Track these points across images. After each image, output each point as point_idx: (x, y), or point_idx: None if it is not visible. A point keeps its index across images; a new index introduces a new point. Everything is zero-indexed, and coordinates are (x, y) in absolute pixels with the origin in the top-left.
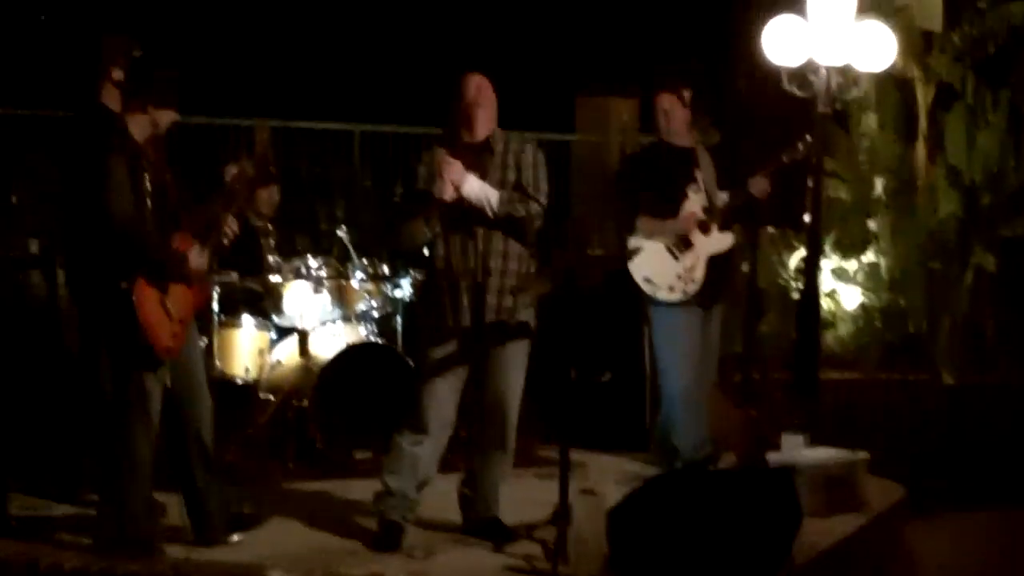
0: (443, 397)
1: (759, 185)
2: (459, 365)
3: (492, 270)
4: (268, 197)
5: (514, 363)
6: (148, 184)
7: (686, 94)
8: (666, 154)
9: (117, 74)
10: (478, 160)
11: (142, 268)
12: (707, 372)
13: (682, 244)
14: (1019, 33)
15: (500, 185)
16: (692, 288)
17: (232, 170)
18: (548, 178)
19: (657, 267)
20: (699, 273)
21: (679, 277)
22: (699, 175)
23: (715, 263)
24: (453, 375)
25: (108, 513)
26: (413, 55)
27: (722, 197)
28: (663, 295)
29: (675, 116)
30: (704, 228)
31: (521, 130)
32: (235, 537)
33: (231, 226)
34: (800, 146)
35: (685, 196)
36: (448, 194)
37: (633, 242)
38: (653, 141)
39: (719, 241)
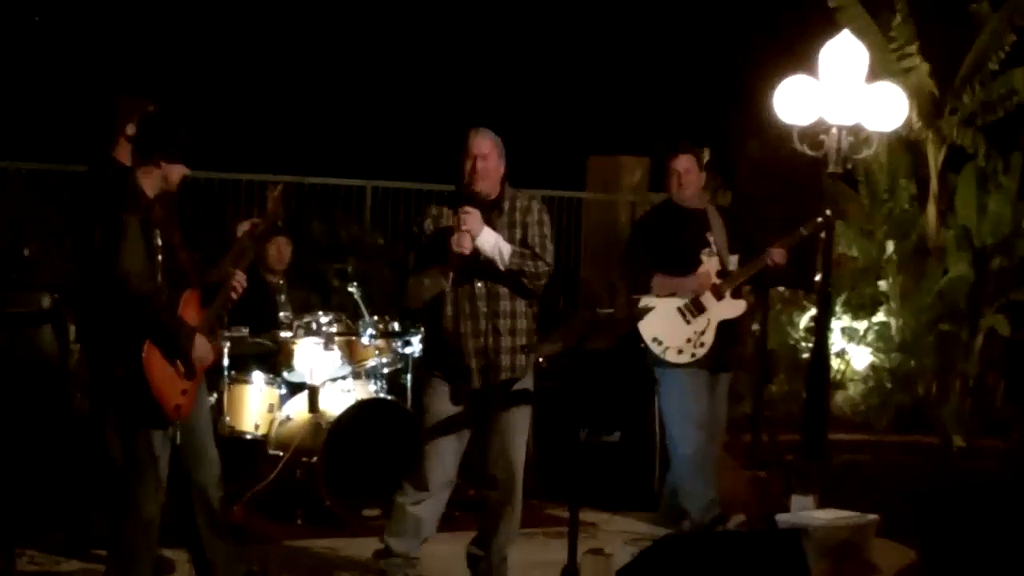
0: (446, 456)
1: (777, 256)
2: (463, 425)
3: (500, 330)
4: (279, 253)
5: (519, 424)
6: (158, 241)
7: (703, 157)
8: (678, 215)
9: (131, 130)
10: (486, 217)
11: (150, 332)
12: (715, 435)
13: (694, 307)
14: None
15: (508, 241)
16: (700, 352)
17: (244, 227)
18: (554, 236)
19: (667, 329)
20: (709, 337)
21: (688, 340)
22: (711, 237)
23: (725, 328)
24: (456, 434)
25: (116, 570)
26: (427, 112)
27: (733, 260)
28: (671, 356)
29: (690, 179)
30: (717, 293)
31: (533, 188)
32: None
33: (240, 281)
34: (819, 220)
35: (698, 258)
36: (467, 247)
37: (644, 302)
38: (664, 201)
39: (731, 307)
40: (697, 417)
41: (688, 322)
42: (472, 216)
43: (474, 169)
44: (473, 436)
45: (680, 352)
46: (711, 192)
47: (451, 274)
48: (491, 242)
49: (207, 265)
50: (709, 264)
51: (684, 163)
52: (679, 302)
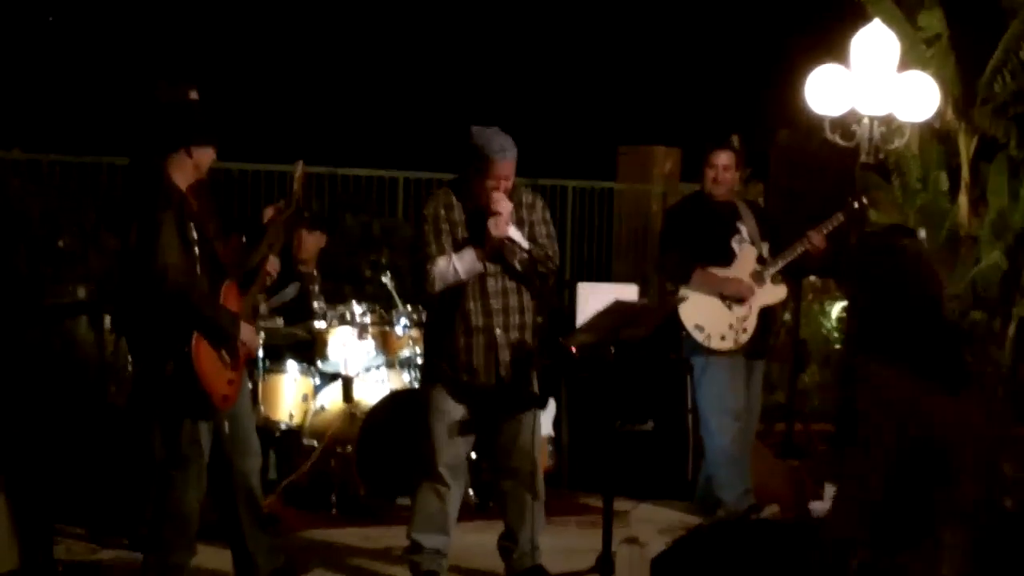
0: (458, 452)
1: (816, 239)
2: (472, 416)
3: (510, 325)
4: (314, 243)
5: (530, 414)
6: (194, 234)
7: (740, 154)
8: (709, 207)
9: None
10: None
11: (195, 326)
12: (750, 424)
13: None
14: None
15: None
16: (744, 338)
17: (268, 212)
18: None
19: (709, 315)
20: (751, 323)
21: (731, 327)
22: (743, 227)
23: (764, 314)
24: (466, 426)
25: (153, 560)
26: (459, 103)
27: (764, 248)
28: (715, 343)
29: (727, 176)
30: (758, 279)
31: (563, 179)
32: None
33: (273, 265)
34: (855, 204)
35: (731, 249)
36: (504, 229)
37: (682, 292)
38: (695, 192)
39: (773, 293)
40: (733, 407)
41: (730, 308)
42: (505, 201)
43: (495, 190)
44: (485, 429)
45: (723, 339)
46: (743, 183)
47: (484, 260)
48: (517, 235)
49: (244, 254)
50: (745, 253)
51: (724, 159)
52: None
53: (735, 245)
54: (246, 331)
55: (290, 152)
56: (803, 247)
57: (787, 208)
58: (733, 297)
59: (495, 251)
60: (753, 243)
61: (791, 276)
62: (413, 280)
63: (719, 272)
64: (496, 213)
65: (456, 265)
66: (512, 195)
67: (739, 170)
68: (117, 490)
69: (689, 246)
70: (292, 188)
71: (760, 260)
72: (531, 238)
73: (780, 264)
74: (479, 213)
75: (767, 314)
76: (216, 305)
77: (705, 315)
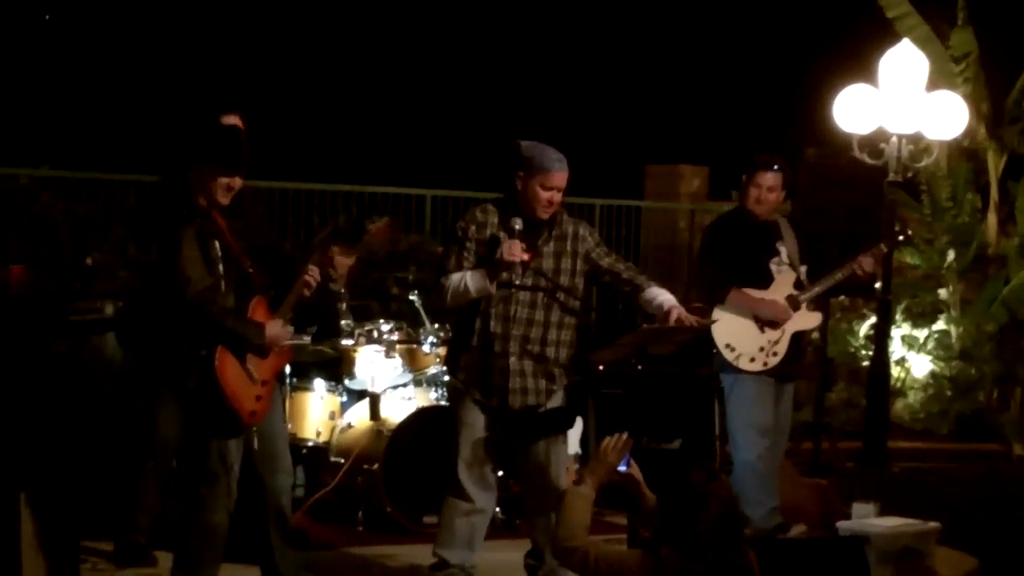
0: (484, 467)
1: (867, 265)
2: (498, 436)
3: (538, 353)
4: (344, 262)
5: (555, 436)
6: (218, 251)
7: (786, 177)
8: (750, 225)
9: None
10: (533, 242)
11: (220, 340)
12: (779, 443)
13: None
14: None
15: (556, 271)
16: (773, 361)
17: (373, 225)
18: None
19: (741, 336)
20: (782, 348)
21: (762, 349)
22: (783, 249)
23: (795, 338)
24: (493, 446)
25: None
26: (486, 122)
27: (802, 271)
28: (744, 364)
29: (771, 197)
30: (794, 304)
31: (591, 196)
32: None
33: (314, 275)
34: (900, 237)
35: (770, 271)
36: (517, 256)
37: (717, 314)
38: (736, 209)
39: (807, 319)
40: (762, 425)
41: (763, 331)
42: (517, 247)
43: (551, 201)
44: (512, 447)
45: (752, 360)
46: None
47: (495, 282)
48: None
49: (277, 272)
50: (785, 276)
51: (771, 180)
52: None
53: (773, 267)
54: (273, 327)
55: (318, 171)
56: (845, 274)
57: (815, 227)
58: (767, 320)
59: (501, 275)
60: (792, 265)
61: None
62: (431, 292)
63: (755, 294)
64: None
65: (468, 282)
66: (560, 226)
67: (784, 190)
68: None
69: (727, 264)
70: (365, 238)
71: (798, 284)
72: (593, 269)
73: (818, 290)
74: (508, 235)
75: (799, 338)
76: (238, 318)
77: (737, 335)
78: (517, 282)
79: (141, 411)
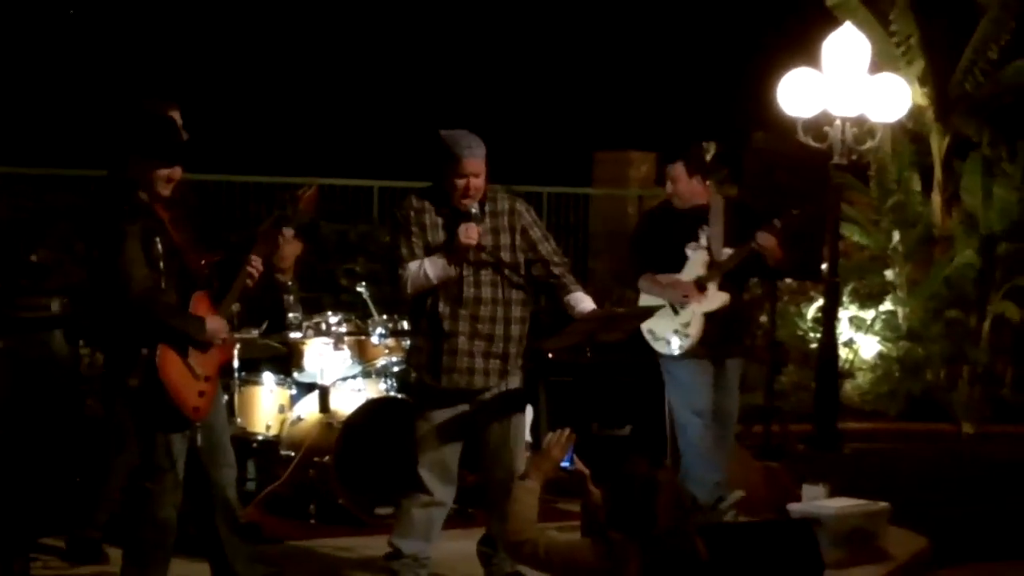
0: (444, 458)
1: (763, 240)
2: (458, 426)
3: (495, 334)
4: (291, 252)
5: (513, 422)
6: (160, 247)
7: (694, 162)
8: (672, 215)
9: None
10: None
11: (161, 336)
12: (725, 423)
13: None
14: None
15: (496, 247)
16: (687, 343)
17: (303, 193)
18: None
19: (658, 320)
20: (694, 329)
21: (676, 332)
22: (703, 233)
23: (717, 319)
24: (452, 435)
25: (131, 573)
26: (432, 112)
27: (727, 252)
28: (662, 348)
29: (679, 187)
30: (700, 285)
31: (540, 184)
32: None
33: (256, 265)
34: (794, 212)
35: (685, 256)
36: (474, 237)
37: (642, 300)
38: (663, 202)
39: (713, 299)
40: (699, 405)
41: (676, 313)
42: (473, 229)
43: (467, 189)
44: (470, 436)
45: (669, 343)
46: (717, 184)
47: (454, 264)
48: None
49: (221, 265)
50: (695, 258)
51: (672, 171)
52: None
53: (689, 251)
54: (214, 322)
55: (266, 163)
56: (742, 253)
57: (763, 210)
58: (676, 302)
59: (463, 257)
60: (711, 247)
61: (765, 278)
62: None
63: (662, 278)
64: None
65: (427, 269)
66: (492, 202)
67: (696, 175)
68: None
69: (644, 253)
70: (299, 207)
71: (710, 265)
72: (528, 245)
73: (723, 270)
74: (455, 216)
75: (722, 318)
76: (181, 313)
77: (655, 320)
78: (473, 260)
79: (105, 407)
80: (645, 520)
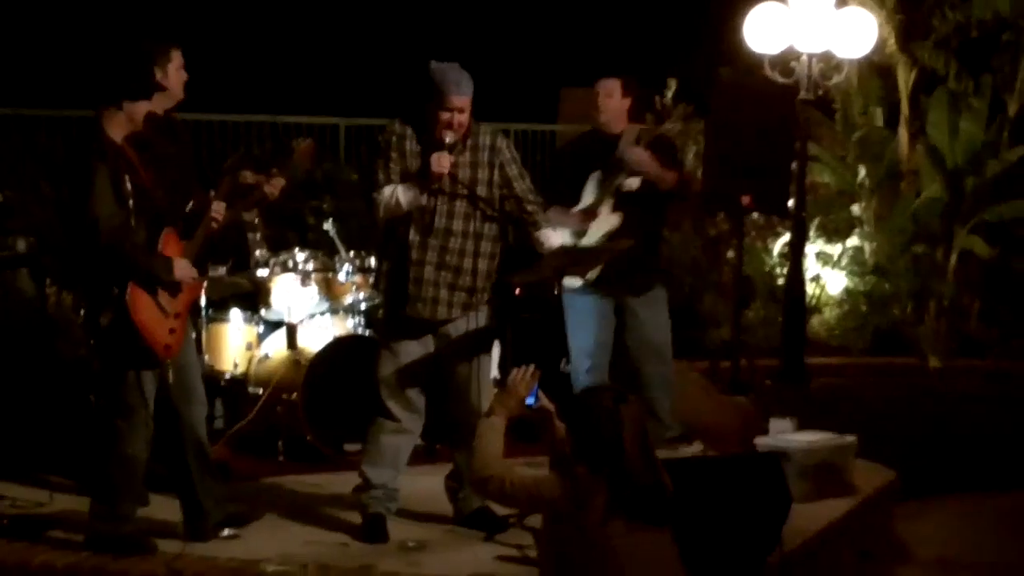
0: (409, 388)
1: (630, 156)
2: (423, 356)
3: (463, 267)
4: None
5: (479, 357)
6: (128, 185)
7: (632, 84)
8: (593, 143)
9: (159, 74)
10: (451, 146)
11: (130, 275)
12: (654, 360)
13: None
14: (1002, 19)
15: (473, 181)
16: (592, 275)
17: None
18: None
19: None
20: None
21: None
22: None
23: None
24: (417, 365)
25: (101, 511)
26: (397, 48)
27: (635, 181)
28: (567, 282)
29: (608, 103)
30: (590, 215)
31: (506, 122)
32: (228, 533)
33: (219, 211)
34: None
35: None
36: (446, 166)
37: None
38: (590, 129)
39: (603, 223)
40: (584, 344)
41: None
42: (445, 158)
43: (451, 123)
44: (436, 371)
45: (573, 277)
46: (681, 120)
47: (426, 192)
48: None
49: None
50: (590, 186)
51: (602, 87)
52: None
53: (591, 181)
54: (181, 266)
55: (229, 101)
56: (618, 180)
57: (729, 146)
58: (578, 228)
59: (433, 186)
60: (606, 178)
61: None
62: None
63: (560, 211)
64: (440, 150)
65: (399, 196)
66: (475, 137)
67: (627, 97)
68: (66, 441)
69: (562, 185)
70: (292, 160)
71: (602, 187)
72: (504, 181)
73: (604, 195)
74: (434, 146)
75: (635, 250)
76: (150, 253)
77: None
78: (447, 191)
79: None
80: (610, 454)
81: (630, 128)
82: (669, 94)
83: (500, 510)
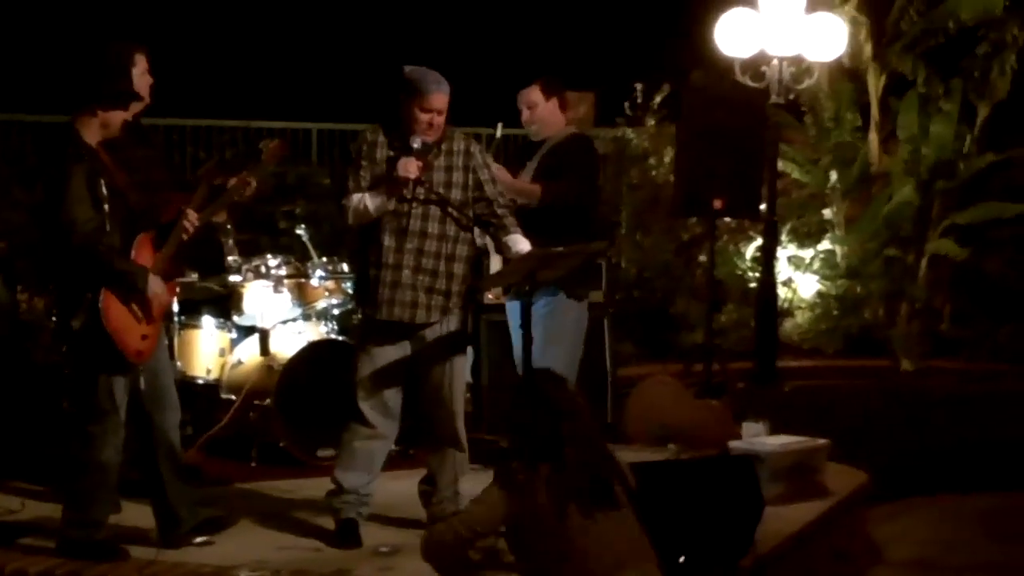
0: (385, 392)
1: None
2: (398, 361)
3: (437, 270)
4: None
5: (453, 361)
6: (104, 189)
7: (544, 85)
8: (524, 150)
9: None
10: (424, 160)
11: (104, 280)
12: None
13: None
14: (968, 26)
15: (447, 185)
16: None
17: (232, 181)
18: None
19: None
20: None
21: None
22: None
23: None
24: (393, 370)
25: (74, 517)
26: (370, 53)
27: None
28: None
29: (537, 112)
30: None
31: (476, 126)
32: (201, 539)
33: (191, 220)
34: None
35: None
36: (413, 172)
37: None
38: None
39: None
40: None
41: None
42: (413, 164)
43: (430, 124)
44: (411, 375)
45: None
46: (656, 125)
47: (393, 198)
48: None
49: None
50: None
51: (523, 99)
52: None
53: None
54: (155, 284)
55: (204, 106)
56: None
57: (701, 149)
58: None
59: (400, 191)
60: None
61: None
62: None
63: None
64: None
65: (367, 201)
66: (449, 141)
67: (553, 99)
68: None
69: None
70: (263, 159)
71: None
72: (476, 184)
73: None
74: (406, 153)
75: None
76: (124, 258)
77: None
78: (409, 197)
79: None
80: (548, 448)
81: (553, 139)
82: (659, 97)
83: None
